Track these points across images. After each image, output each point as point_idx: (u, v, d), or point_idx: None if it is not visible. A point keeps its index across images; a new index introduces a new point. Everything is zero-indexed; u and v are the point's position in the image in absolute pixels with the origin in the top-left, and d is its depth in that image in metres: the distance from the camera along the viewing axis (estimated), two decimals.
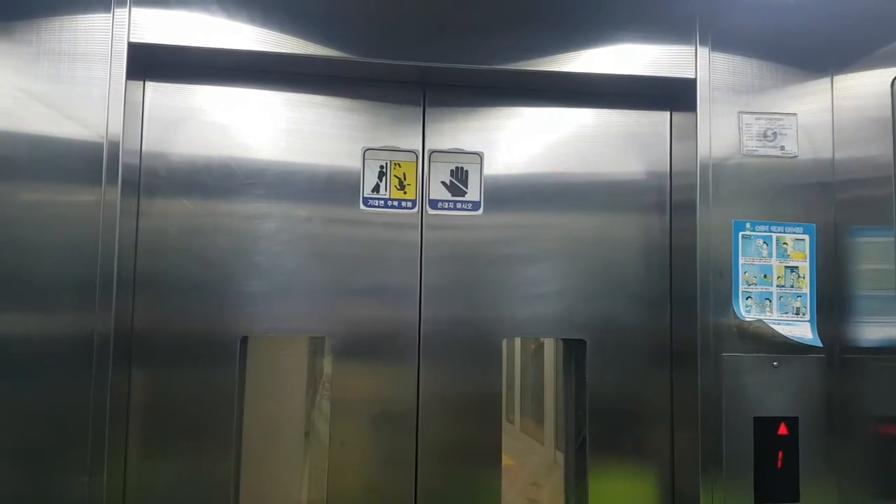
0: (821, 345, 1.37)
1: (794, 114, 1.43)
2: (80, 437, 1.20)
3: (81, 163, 1.24)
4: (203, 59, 1.37)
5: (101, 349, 1.21)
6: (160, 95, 1.38)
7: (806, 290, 1.39)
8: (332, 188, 1.41)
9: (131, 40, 1.28)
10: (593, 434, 1.44)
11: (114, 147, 1.25)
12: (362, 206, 1.42)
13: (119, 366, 1.26)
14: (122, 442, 1.30)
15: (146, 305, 1.33)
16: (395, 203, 1.43)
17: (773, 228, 1.40)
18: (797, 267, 1.39)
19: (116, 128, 1.25)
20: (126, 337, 1.30)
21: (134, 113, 1.34)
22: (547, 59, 1.39)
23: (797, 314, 1.38)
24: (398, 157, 1.44)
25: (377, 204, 1.43)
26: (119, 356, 1.26)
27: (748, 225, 1.39)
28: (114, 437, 1.24)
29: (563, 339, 1.45)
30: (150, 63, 1.36)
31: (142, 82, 1.38)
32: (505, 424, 1.42)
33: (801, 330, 1.37)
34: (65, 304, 1.21)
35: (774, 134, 1.42)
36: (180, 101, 1.39)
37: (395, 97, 1.44)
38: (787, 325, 1.37)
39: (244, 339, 1.35)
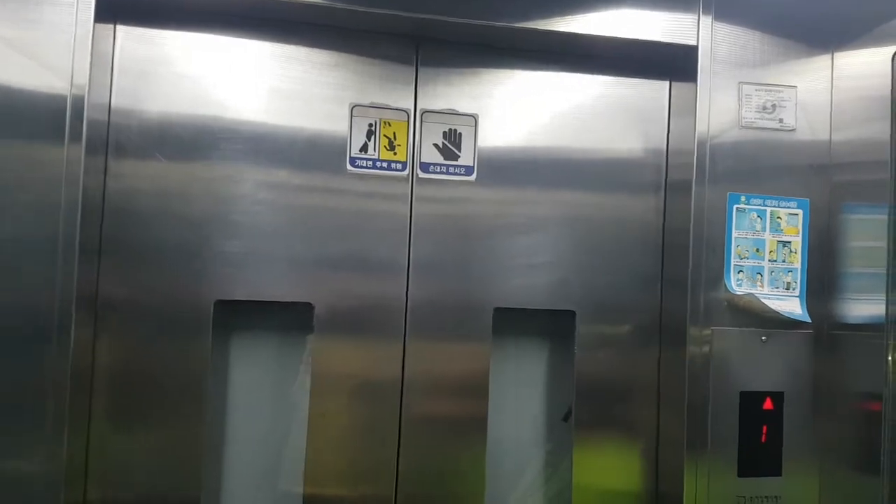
0: (809, 320, 1.37)
1: (794, 86, 1.41)
2: (39, 407, 1.13)
3: (43, 116, 1.14)
4: (179, 0, 1.27)
5: (63, 315, 1.14)
6: (132, 43, 1.29)
7: (797, 265, 1.38)
8: (317, 146, 1.34)
9: None
10: (579, 406, 1.42)
11: (79, 100, 1.16)
12: (349, 167, 1.36)
13: (82, 332, 1.19)
14: (86, 413, 1.23)
15: (113, 269, 1.25)
16: (384, 164, 1.37)
17: (767, 202, 1.38)
18: (790, 242, 1.38)
19: (82, 78, 1.16)
20: (90, 302, 1.23)
21: (103, 62, 1.25)
22: (547, 18, 1.33)
23: (788, 289, 1.38)
24: (388, 115, 1.37)
25: (365, 164, 1.36)
26: (82, 322, 1.19)
27: (743, 198, 1.37)
28: (76, 407, 1.17)
29: (552, 310, 1.42)
30: (121, 4, 1.26)
31: (112, 26, 1.28)
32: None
33: (791, 305, 1.36)
34: (21, 268, 1.13)
35: (774, 106, 1.40)
36: (154, 49, 1.29)
37: (386, 53, 1.37)
38: (778, 299, 1.36)
39: (218, 304, 1.29)
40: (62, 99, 1.15)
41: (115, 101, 1.27)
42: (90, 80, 1.17)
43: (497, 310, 1.38)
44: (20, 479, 1.12)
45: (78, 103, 1.16)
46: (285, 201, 1.32)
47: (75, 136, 1.15)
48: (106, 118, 1.26)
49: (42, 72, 1.15)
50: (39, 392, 1.13)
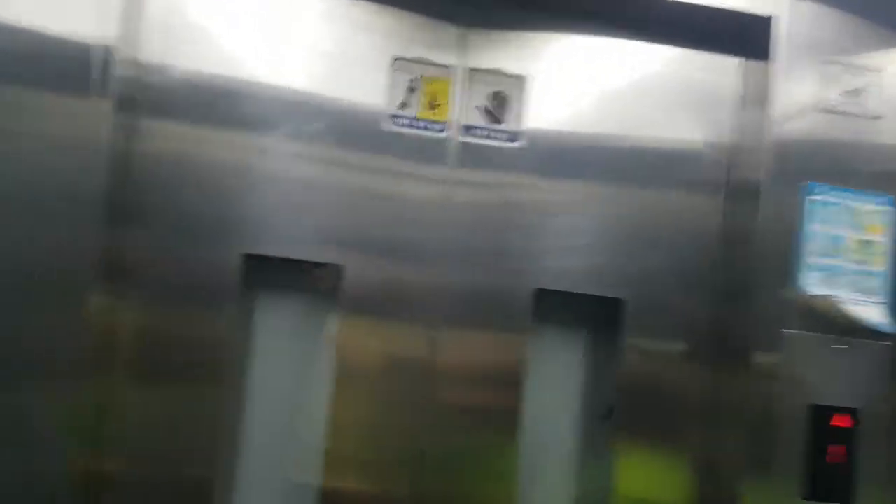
0: (894, 331, 1.20)
1: (881, 70, 1.27)
2: (48, 372, 1.06)
3: (67, 69, 1.07)
4: None
5: (83, 272, 1.07)
6: None
7: (882, 268, 1.22)
8: (354, 104, 1.23)
9: None
10: (624, 406, 1.27)
11: (107, 53, 1.08)
12: (386, 125, 1.24)
13: (104, 291, 1.12)
14: (108, 373, 1.14)
15: (139, 225, 1.16)
16: (423, 124, 1.25)
17: (848, 195, 1.23)
18: (873, 242, 1.23)
19: (111, 28, 1.09)
20: (118, 262, 1.14)
21: (134, 12, 1.15)
22: None
23: (869, 294, 1.22)
24: (431, 72, 1.25)
25: (403, 123, 1.24)
26: (105, 286, 1.11)
27: (820, 189, 1.23)
28: (88, 374, 1.09)
29: (598, 297, 1.27)
30: None
31: None
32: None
33: (873, 312, 1.20)
34: (43, 224, 1.06)
35: (857, 91, 1.26)
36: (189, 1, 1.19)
37: (432, 6, 1.26)
38: (857, 304, 1.20)
39: (246, 258, 1.18)
40: (87, 51, 1.08)
41: (146, 58, 1.18)
42: (121, 31, 1.10)
43: (540, 291, 1.25)
44: (26, 443, 1.05)
45: (107, 57, 1.08)
46: (319, 158, 1.21)
47: (102, 94, 1.08)
48: (134, 76, 1.17)
49: (70, 17, 1.07)
50: (50, 356, 1.06)
